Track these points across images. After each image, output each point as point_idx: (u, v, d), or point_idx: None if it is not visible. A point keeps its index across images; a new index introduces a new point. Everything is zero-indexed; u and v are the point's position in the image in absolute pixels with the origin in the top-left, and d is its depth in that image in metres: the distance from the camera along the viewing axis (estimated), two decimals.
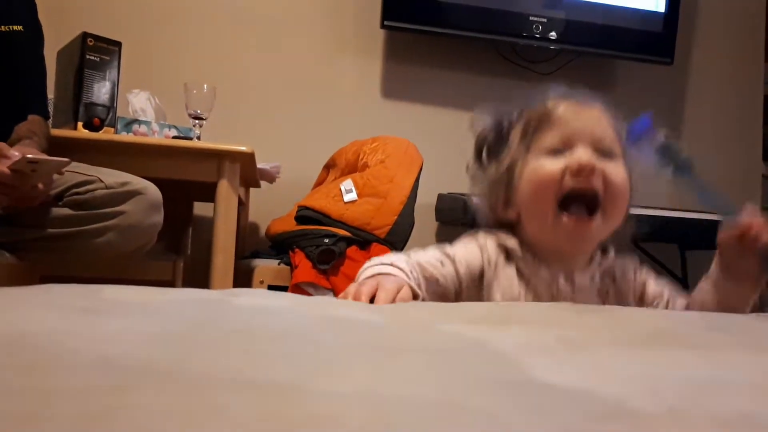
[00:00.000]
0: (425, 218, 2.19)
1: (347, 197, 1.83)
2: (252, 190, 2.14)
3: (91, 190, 1.23)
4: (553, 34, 2.31)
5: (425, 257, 0.78)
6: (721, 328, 0.53)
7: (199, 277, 1.77)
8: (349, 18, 2.39)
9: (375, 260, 0.74)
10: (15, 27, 1.36)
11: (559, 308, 0.61)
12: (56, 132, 1.46)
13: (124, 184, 1.25)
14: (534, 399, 0.31)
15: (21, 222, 1.25)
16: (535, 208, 0.79)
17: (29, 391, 0.27)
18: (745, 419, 0.30)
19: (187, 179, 1.59)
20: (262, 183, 2.06)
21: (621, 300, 0.83)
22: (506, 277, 0.80)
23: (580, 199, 0.77)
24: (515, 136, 0.83)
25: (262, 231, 2.19)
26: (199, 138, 1.71)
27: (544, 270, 0.80)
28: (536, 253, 0.81)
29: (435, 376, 0.34)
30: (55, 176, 1.24)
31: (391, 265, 0.72)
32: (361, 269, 0.73)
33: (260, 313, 0.47)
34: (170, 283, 1.75)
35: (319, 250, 1.70)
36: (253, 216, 2.23)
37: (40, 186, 1.19)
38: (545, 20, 2.31)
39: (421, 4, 2.24)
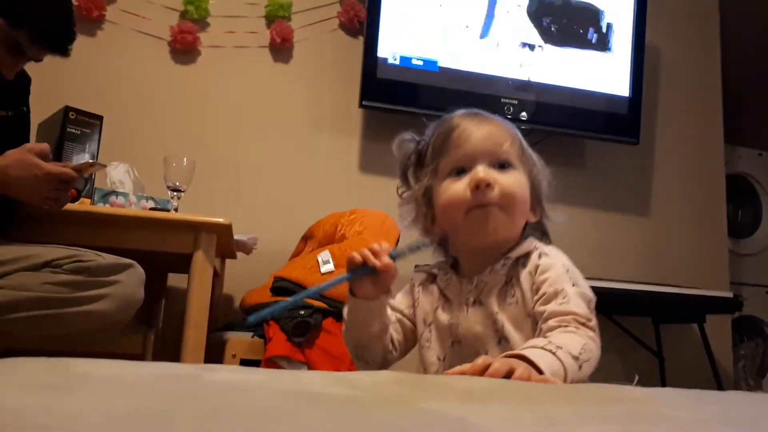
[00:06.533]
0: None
1: (324, 268, 1.82)
2: (228, 261, 2.12)
3: (92, 259, 1.30)
4: (524, 115, 2.41)
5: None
6: (710, 401, 0.53)
7: (169, 349, 1.72)
8: (328, 98, 2.47)
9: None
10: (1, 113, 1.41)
11: (541, 386, 0.60)
12: None
13: (117, 258, 1.33)
14: None
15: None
16: (448, 221, 0.91)
17: None
18: None
19: (163, 251, 1.58)
20: (239, 254, 2.05)
21: (524, 296, 0.88)
22: (428, 295, 0.96)
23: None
24: (428, 159, 0.95)
25: (237, 302, 2.15)
26: (176, 210, 1.70)
27: (455, 278, 0.94)
28: (455, 267, 0.95)
29: None
30: (47, 246, 1.32)
31: None
32: None
33: (233, 390, 0.46)
34: (140, 357, 1.69)
35: (294, 322, 1.67)
36: (228, 287, 2.19)
37: (73, 191, 1.33)
38: (516, 102, 2.42)
39: (397, 87, 2.33)
